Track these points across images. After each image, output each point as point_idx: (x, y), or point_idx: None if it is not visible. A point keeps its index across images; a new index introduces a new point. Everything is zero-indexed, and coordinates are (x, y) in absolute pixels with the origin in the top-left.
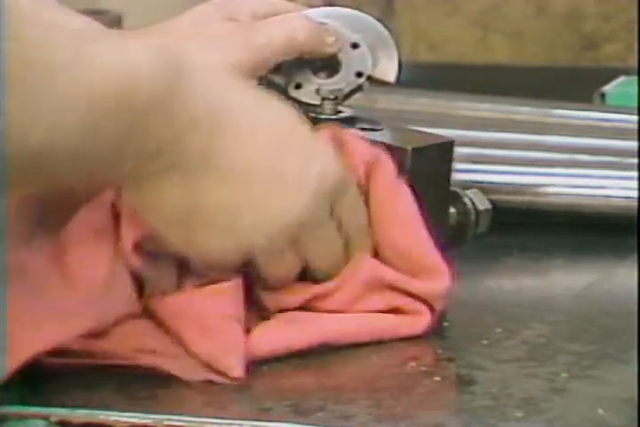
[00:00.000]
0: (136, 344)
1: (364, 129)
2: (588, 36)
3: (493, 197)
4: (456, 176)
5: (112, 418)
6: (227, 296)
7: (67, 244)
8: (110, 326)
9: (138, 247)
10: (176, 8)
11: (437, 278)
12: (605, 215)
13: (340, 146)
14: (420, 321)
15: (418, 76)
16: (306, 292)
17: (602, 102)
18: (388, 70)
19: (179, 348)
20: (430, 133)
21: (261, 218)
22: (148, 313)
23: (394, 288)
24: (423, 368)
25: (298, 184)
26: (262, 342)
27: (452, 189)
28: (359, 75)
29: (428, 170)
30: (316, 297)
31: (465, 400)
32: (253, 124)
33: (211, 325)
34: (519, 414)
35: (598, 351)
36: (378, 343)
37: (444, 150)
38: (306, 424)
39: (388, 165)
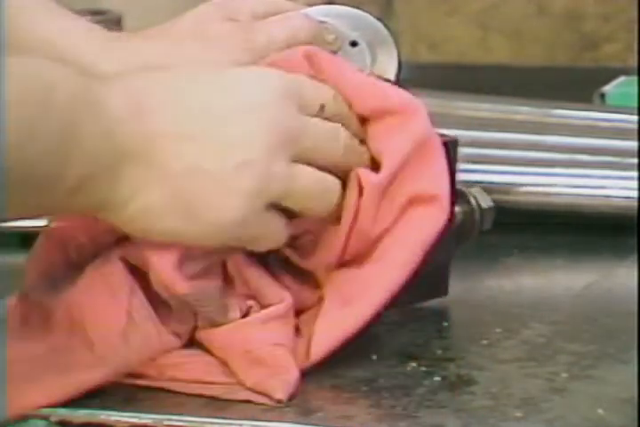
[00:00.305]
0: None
1: None
2: (588, 36)
3: (493, 197)
4: (456, 176)
5: (112, 418)
6: (275, 325)
7: (80, 300)
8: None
9: (180, 272)
10: (176, 8)
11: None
12: (605, 215)
13: (272, 64)
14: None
15: (418, 76)
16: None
17: (602, 102)
18: (388, 69)
19: (229, 377)
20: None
21: (243, 152)
22: (199, 344)
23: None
24: (423, 368)
25: (255, 105)
26: (323, 346)
27: (457, 187)
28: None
29: None
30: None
31: (465, 400)
32: (176, 85)
33: (259, 355)
34: (519, 414)
35: (598, 351)
36: (378, 343)
37: (448, 149)
38: (306, 424)
39: (323, 53)
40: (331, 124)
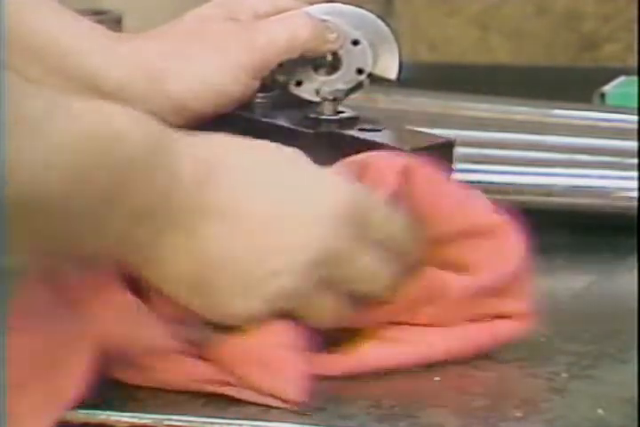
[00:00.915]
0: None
1: (364, 129)
2: (588, 36)
3: (493, 197)
4: (456, 176)
5: (112, 418)
6: (281, 327)
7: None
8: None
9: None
10: (177, 8)
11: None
12: (605, 215)
13: (363, 168)
14: (517, 321)
15: (418, 76)
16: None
17: (602, 102)
18: (389, 67)
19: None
20: (431, 133)
21: (279, 261)
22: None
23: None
24: (424, 368)
25: (309, 217)
26: (371, 359)
27: None
28: (360, 72)
29: None
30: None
31: (465, 400)
32: (244, 169)
33: (269, 359)
34: (519, 414)
35: (598, 351)
36: None
37: (445, 150)
38: (306, 424)
39: (422, 168)
40: (379, 264)
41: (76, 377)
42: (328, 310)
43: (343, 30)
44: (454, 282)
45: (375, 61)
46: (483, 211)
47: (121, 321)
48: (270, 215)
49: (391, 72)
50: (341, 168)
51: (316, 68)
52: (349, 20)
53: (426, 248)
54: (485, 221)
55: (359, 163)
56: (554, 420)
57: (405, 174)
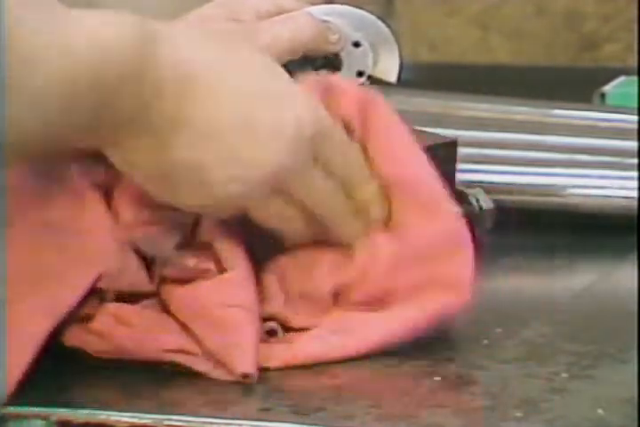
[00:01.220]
0: (162, 343)
1: None
2: (588, 36)
3: (493, 197)
4: (456, 176)
5: (112, 418)
6: (233, 285)
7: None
8: (133, 316)
9: (138, 217)
10: (177, 8)
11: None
12: (605, 215)
13: (327, 91)
14: (457, 296)
15: (418, 76)
16: (328, 283)
17: (602, 102)
18: (390, 70)
19: (197, 344)
20: (434, 133)
21: (235, 171)
22: (161, 303)
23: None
24: (423, 368)
25: (272, 132)
26: (303, 353)
27: (457, 188)
28: (360, 74)
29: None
30: (343, 288)
31: (465, 400)
32: (221, 82)
33: (217, 317)
34: (519, 414)
35: (598, 351)
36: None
37: (449, 150)
38: (306, 424)
39: (381, 106)
40: (330, 191)
41: (75, 288)
42: (282, 218)
43: (344, 32)
44: (383, 248)
45: (375, 63)
46: (424, 164)
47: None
48: (235, 126)
49: (391, 74)
50: (309, 85)
51: (317, 70)
52: (350, 22)
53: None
54: (423, 175)
55: (323, 83)
56: (554, 420)
57: (364, 106)
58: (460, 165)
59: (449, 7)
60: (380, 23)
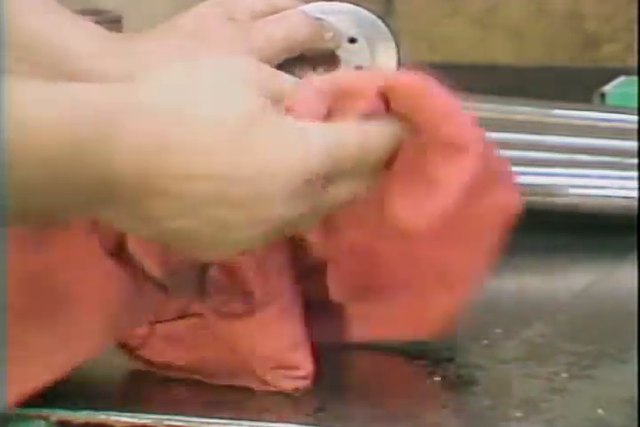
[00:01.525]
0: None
1: None
2: (588, 36)
3: None
4: None
5: (112, 418)
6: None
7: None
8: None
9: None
10: (177, 8)
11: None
12: (605, 215)
13: (339, 90)
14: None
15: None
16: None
17: (602, 102)
18: (387, 64)
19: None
20: None
21: (231, 235)
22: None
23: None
24: (423, 368)
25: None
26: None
27: None
28: (358, 69)
29: None
30: None
31: (465, 400)
32: (194, 148)
33: (283, 362)
34: (519, 414)
35: (598, 351)
36: (378, 343)
37: None
38: (306, 424)
39: (402, 84)
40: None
41: (87, 329)
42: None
43: (340, 29)
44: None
45: (373, 59)
46: (463, 126)
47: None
48: (215, 197)
49: (389, 69)
50: (312, 86)
51: (315, 67)
52: (346, 18)
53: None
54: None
55: (334, 83)
56: (554, 420)
57: (384, 93)
58: None
59: (449, 7)
60: (376, 19)
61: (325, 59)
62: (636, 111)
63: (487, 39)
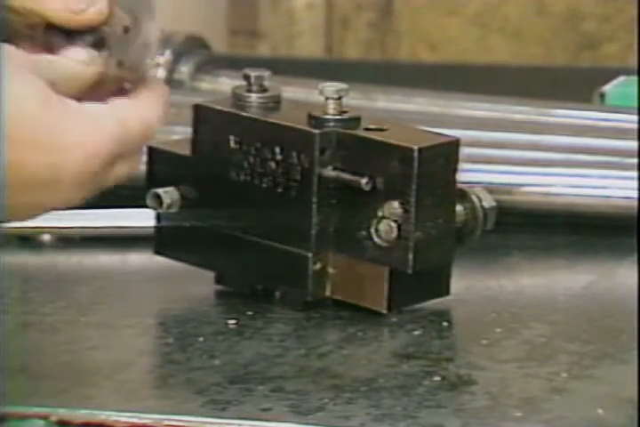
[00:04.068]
0: None
1: (369, 129)
2: (588, 36)
3: (493, 197)
4: (457, 176)
5: (112, 418)
6: None
7: None
8: None
9: None
10: (175, 8)
11: None
12: (605, 215)
13: None
14: None
15: (418, 76)
16: None
17: (602, 102)
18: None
19: None
20: (436, 132)
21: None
22: None
23: None
24: (423, 368)
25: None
26: None
27: (459, 187)
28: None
29: (434, 169)
30: None
31: (465, 400)
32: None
33: None
34: (519, 414)
35: (598, 351)
36: (378, 343)
37: (450, 149)
38: (306, 424)
39: None
40: None
41: None
42: None
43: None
44: None
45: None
46: None
47: None
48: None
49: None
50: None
51: (74, 41)
52: None
53: None
54: None
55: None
56: (554, 420)
57: None
58: (460, 165)
59: (449, 7)
60: None
61: (98, 40)
62: (635, 111)
63: (487, 39)
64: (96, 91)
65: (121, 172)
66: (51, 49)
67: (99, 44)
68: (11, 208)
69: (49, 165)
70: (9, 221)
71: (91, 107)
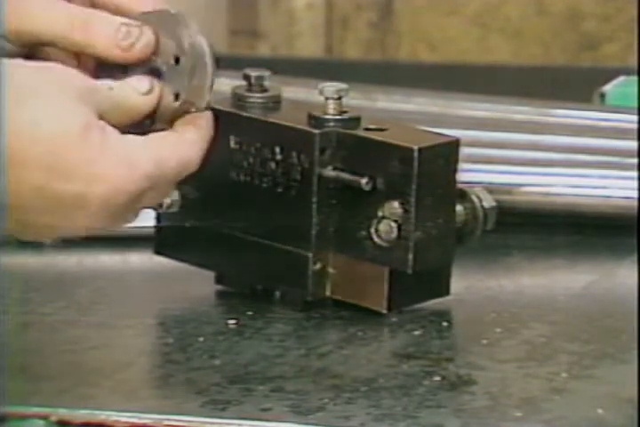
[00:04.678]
0: None
1: (369, 129)
2: (588, 36)
3: (493, 197)
4: (457, 176)
5: (112, 418)
6: None
7: None
8: None
9: None
10: (175, 8)
11: None
12: (605, 215)
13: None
14: None
15: (418, 76)
16: None
17: (602, 102)
18: (202, 89)
19: None
20: (436, 132)
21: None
22: None
23: None
24: (423, 368)
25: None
26: None
27: (459, 187)
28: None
29: (434, 169)
30: None
31: (465, 400)
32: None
33: None
34: (519, 414)
35: (598, 351)
36: (378, 343)
37: (450, 149)
38: (306, 424)
39: None
40: None
41: None
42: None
43: (164, 42)
44: None
45: (189, 80)
46: None
47: None
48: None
49: (204, 95)
50: None
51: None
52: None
53: None
54: None
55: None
56: (554, 420)
57: None
58: (460, 165)
59: (449, 7)
60: (203, 41)
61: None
62: (635, 111)
63: (487, 39)
64: (148, 121)
65: (148, 203)
66: (109, 77)
67: (153, 75)
68: (29, 227)
69: (75, 193)
70: (26, 238)
71: (131, 140)
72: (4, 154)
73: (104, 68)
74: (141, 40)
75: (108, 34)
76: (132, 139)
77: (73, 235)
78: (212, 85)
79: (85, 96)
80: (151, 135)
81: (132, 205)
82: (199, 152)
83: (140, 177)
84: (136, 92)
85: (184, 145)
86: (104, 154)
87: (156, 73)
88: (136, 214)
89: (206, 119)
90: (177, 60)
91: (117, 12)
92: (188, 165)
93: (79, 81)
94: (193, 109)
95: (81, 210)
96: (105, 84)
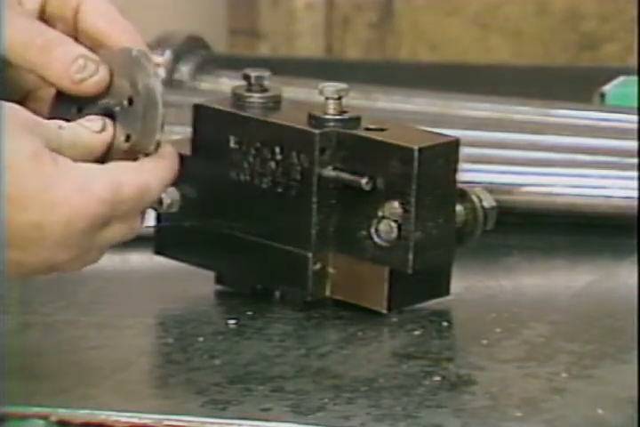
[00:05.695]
0: None
1: (369, 129)
2: (588, 36)
3: (493, 197)
4: (457, 176)
5: (112, 418)
6: None
7: None
8: None
9: None
10: (175, 8)
11: None
12: (605, 215)
13: None
14: None
15: (418, 76)
16: None
17: (602, 102)
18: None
19: None
20: (436, 132)
21: None
22: None
23: None
24: (423, 368)
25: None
26: None
27: (459, 187)
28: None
29: (434, 169)
30: None
31: (465, 400)
32: None
33: None
34: (519, 414)
35: (598, 351)
36: (378, 343)
37: (450, 149)
38: (306, 424)
39: None
40: None
41: None
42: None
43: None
44: None
45: (141, 122)
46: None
47: None
48: None
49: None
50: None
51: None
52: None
53: None
54: None
55: None
56: (554, 420)
57: None
58: (460, 165)
59: (449, 7)
60: (156, 83)
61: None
62: (635, 111)
63: (487, 39)
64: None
65: (115, 234)
66: (63, 113)
67: (106, 115)
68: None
69: (33, 222)
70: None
71: (86, 167)
72: None
73: (59, 106)
74: (94, 77)
75: (64, 61)
76: (87, 166)
77: (43, 274)
78: (162, 127)
79: (32, 128)
80: (110, 163)
81: (94, 234)
82: (161, 181)
83: (97, 201)
84: (89, 130)
85: (144, 172)
86: (58, 181)
87: (109, 113)
88: (102, 251)
89: (170, 150)
90: (130, 102)
91: (94, 42)
92: (147, 192)
93: (25, 115)
94: (142, 153)
95: (41, 241)
96: (54, 122)
